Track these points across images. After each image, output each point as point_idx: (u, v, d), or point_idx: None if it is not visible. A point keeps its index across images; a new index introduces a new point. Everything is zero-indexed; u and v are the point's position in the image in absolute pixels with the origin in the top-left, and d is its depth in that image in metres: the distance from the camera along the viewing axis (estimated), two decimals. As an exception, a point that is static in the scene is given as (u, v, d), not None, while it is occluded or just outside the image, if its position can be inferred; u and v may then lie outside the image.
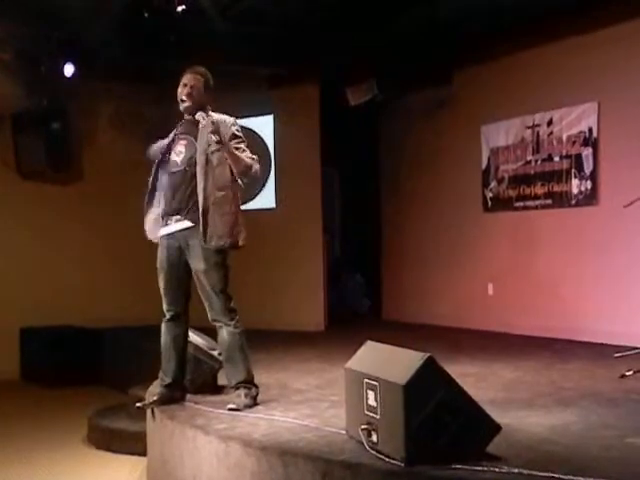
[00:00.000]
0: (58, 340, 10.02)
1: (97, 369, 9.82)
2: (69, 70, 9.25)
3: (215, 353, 5.69)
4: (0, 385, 9.44)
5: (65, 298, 10.48)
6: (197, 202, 5.07)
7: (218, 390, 5.67)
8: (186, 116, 5.29)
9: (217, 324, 5.20)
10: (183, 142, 5.25)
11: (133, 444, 6.38)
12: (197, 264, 5.13)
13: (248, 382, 5.18)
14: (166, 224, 5.25)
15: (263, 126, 10.89)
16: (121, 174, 10.91)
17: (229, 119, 5.25)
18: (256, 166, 5.17)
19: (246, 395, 5.10)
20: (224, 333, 5.18)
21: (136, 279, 10.79)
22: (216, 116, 5.19)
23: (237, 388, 5.15)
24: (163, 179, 5.29)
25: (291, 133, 10.49)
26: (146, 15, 8.05)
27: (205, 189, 5.06)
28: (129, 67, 9.60)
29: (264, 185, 10.87)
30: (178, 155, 5.23)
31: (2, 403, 8.64)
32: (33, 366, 10.07)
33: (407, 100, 10.37)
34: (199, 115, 5.07)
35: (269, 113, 10.81)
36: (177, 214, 5.18)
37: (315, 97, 10.49)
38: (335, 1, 7.94)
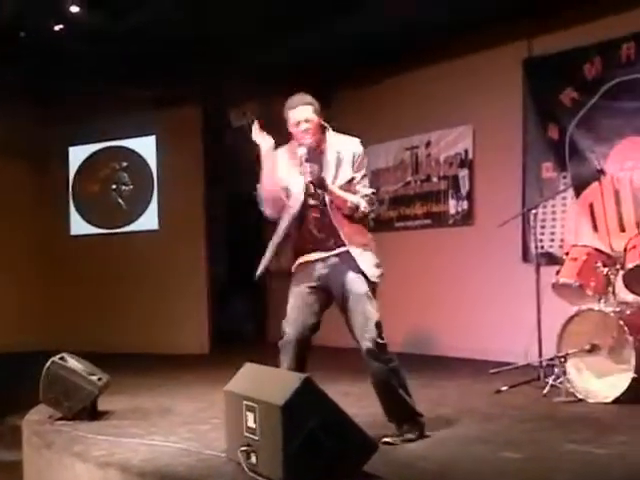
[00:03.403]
0: None
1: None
2: None
3: (94, 378, 5.59)
4: None
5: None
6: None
7: (97, 416, 5.58)
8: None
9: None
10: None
11: (8, 475, 6.19)
12: None
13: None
14: None
15: (145, 147, 10.80)
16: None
17: (352, 143, 4.68)
18: (362, 205, 4.71)
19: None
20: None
21: (18, 305, 10.52)
22: (335, 139, 4.68)
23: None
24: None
25: (173, 154, 10.43)
26: (22, 35, 7.89)
27: None
28: (4, 88, 9.35)
29: (147, 206, 10.80)
30: None
31: None
32: None
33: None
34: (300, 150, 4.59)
35: (151, 134, 10.72)
36: None
37: (197, 118, 10.45)
38: (217, 25, 7.95)
